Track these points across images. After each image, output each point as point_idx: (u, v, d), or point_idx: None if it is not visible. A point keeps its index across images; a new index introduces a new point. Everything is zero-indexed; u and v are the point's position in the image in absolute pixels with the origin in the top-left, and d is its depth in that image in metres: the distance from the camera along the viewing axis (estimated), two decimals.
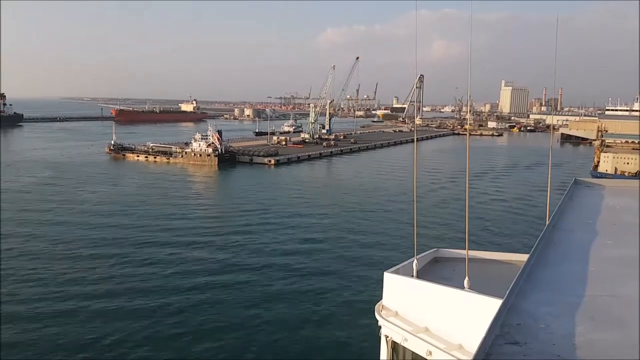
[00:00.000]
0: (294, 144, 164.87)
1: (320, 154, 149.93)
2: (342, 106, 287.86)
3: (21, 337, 34.42)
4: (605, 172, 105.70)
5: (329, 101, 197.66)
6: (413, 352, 9.79)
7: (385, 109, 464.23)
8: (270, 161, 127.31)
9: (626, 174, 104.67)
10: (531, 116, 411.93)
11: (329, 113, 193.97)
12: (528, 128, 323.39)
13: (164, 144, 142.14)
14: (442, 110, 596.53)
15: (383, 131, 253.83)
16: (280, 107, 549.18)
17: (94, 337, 34.56)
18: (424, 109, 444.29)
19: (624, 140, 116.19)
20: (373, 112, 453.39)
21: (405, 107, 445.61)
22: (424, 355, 9.42)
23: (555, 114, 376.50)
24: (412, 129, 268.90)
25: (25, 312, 38.16)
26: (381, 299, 11.02)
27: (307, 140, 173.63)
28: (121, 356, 32.42)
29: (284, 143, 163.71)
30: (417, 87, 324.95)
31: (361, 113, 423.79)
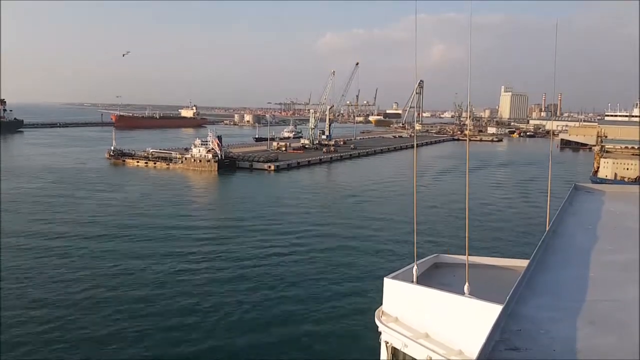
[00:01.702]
0: (293, 149, 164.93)
1: (320, 159, 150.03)
2: (342, 112, 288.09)
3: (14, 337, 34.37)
4: (605, 177, 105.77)
5: (328, 107, 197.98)
6: (413, 358, 9.77)
7: (378, 115, 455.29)
8: (270, 167, 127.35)
9: (626, 179, 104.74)
10: (531, 122, 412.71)
11: (329, 119, 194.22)
12: (528, 133, 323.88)
13: (163, 149, 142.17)
14: (441, 115, 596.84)
15: (383, 137, 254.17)
16: (280, 112, 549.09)
17: (90, 338, 34.51)
18: (424, 114, 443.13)
19: (623, 146, 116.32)
20: (370, 118, 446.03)
21: (400, 113, 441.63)
22: None
23: (554, 120, 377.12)
24: (412, 134, 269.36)
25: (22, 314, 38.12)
26: (381, 304, 11.00)
27: (307, 146, 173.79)
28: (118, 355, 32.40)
29: (284, 149, 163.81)
30: (417, 93, 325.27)
31: (361, 119, 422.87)
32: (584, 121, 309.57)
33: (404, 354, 10.04)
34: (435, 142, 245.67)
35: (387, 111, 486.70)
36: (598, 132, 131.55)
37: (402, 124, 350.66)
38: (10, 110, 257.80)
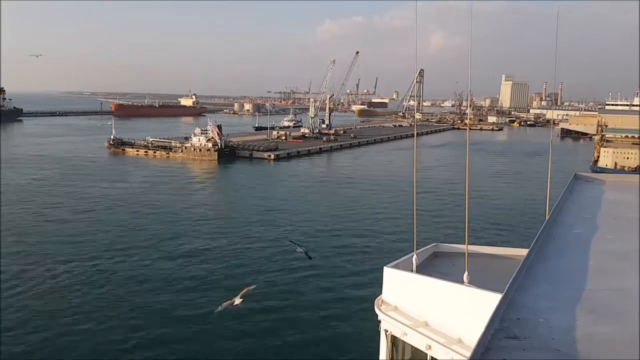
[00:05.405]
0: (293, 138, 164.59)
1: (320, 148, 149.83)
2: (342, 101, 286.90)
3: (14, 335, 34.56)
4: (605, 166, 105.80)
5: (328, 96, 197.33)
6: (412, 347, 9.82)
7: (362, 104, 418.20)
8: (270, 156, 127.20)
9: (626, 168, 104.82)
10: (531, 111, 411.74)
11: (329, 108, 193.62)
12: (528, 123, 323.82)
13: (163, 138, 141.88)
14: (442, 104, 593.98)
15: (383, 126, 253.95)
16: (280, 101, 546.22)
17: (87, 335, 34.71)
18: (424, 103, 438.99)
19: (623, 135, 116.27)
20: (353, 107, 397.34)
21: (386, 102, 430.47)
22: (423, 349, 9.44)
23: (555, 109, 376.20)
24: (412, 123, 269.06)
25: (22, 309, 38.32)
26: (381, 293, 11.04)
27: (307, 135, 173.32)
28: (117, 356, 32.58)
29: (283, 138, 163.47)
30: (417, 82, 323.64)
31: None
32: (585, 110, 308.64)
33: (404, 342, 10.09)
34: (436, 131, 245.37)
35: (373, 100, 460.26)
36: (598, 121, 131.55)
37: (402, 113, 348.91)
38: (10, 99, 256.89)
